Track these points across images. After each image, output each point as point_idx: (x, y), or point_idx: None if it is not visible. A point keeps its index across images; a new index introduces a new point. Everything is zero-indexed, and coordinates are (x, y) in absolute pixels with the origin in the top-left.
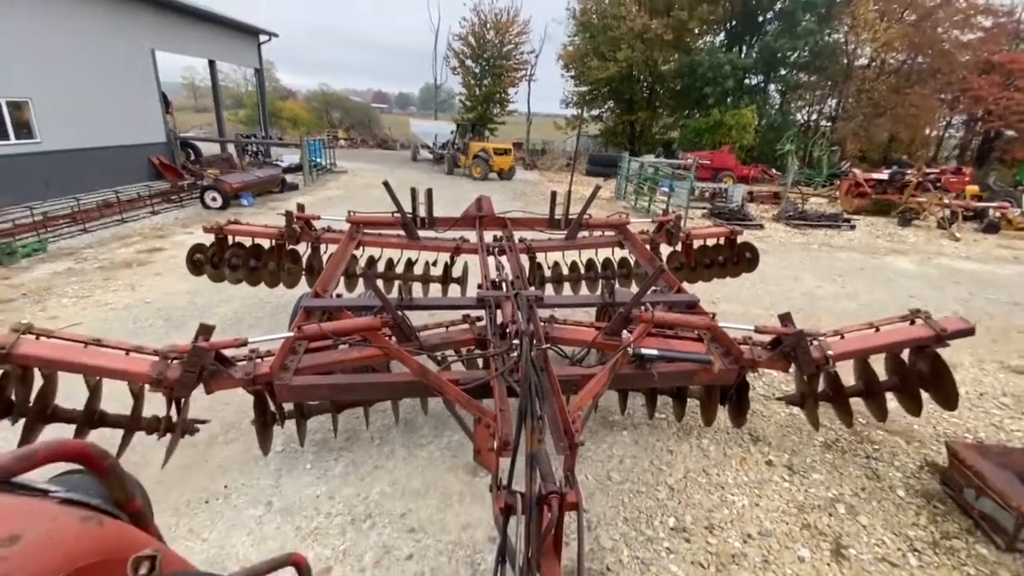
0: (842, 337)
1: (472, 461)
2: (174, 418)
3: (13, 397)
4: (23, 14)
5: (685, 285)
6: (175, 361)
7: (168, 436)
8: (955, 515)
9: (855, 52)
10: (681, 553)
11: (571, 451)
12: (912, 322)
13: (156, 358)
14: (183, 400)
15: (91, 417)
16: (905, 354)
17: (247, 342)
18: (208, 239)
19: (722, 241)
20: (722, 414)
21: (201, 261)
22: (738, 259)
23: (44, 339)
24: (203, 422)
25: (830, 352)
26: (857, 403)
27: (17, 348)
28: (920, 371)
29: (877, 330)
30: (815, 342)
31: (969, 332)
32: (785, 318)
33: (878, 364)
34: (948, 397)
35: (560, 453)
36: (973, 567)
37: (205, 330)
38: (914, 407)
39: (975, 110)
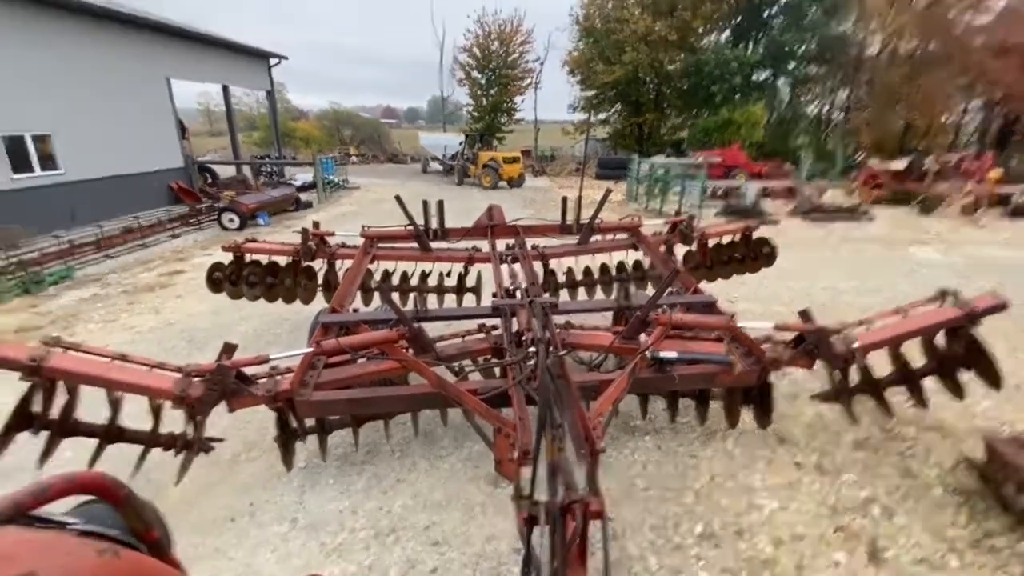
0: (868, 328)
1: (493, 471)
2: (191, 435)
3: (38, 409)
4: (42, 50)
5: (703, 285)
6: (197, 379)
7: (184, 453)
8: (995, 512)
9: (864, 41)
10: (711, 560)
11: (593, 458)
12: (941, 303)
13: (179, 375)
14: (201, 418)
15: (112, 432)
16: (940, 337)
17: (268, 359)
18: (227, 258)
19: (738, 238)
20: (746, 415)
21: (220, 279)
22: (756, 255)
23: (72, 353)
24: (218, 440)
25: (855, 345)
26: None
27: (48, 361)
28: (956, 353)
29: (904, 315)
30: (839, 335)
31: (1001, 308)
32: (805, 314)
33: (914, 350)
34: (991, 376)
35: (582, 460)
36: (1018, 566)
37: (228, 349)
38: (956, 389)
39: (992, 94)
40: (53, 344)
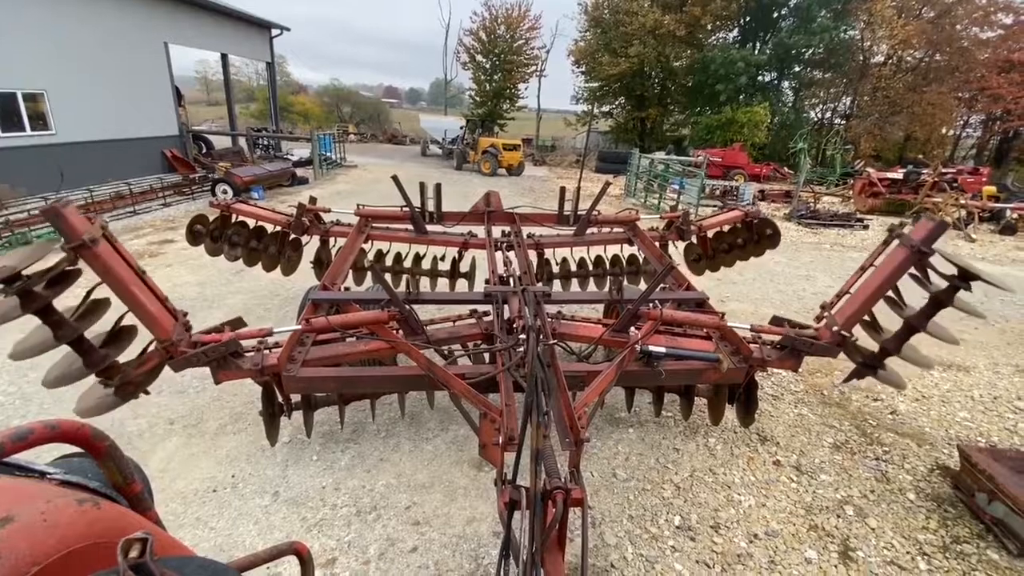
0: (837, 307)
1: (477, 456)
2: (138, 375)
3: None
4: (38, 5)
5: (707, 275)
6: (196, 338)
7: (113, 388)
8: (966, 519)
9: (871, 49)
10: (686, 552)
11: (576, 447)
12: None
13: (176, 322)
14: (165, 369)
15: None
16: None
17: (272, 332)
18: (213, 214)
19: (739, 224)
20: (730, 413)
21: (201, 232)
22: (759, 237)
23: (111, 249)
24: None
25: (836, 327)
26: (869, 406)
27: (96, 247)
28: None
29: (862, 274)
30: (822, 323)
31: (941, 228)
32: (777, 320)
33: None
34: (967, 276)
35: (566, 449)
36: (984, 572)
37: (235, 323)
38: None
39: (993, 109)
40: (105, 231)
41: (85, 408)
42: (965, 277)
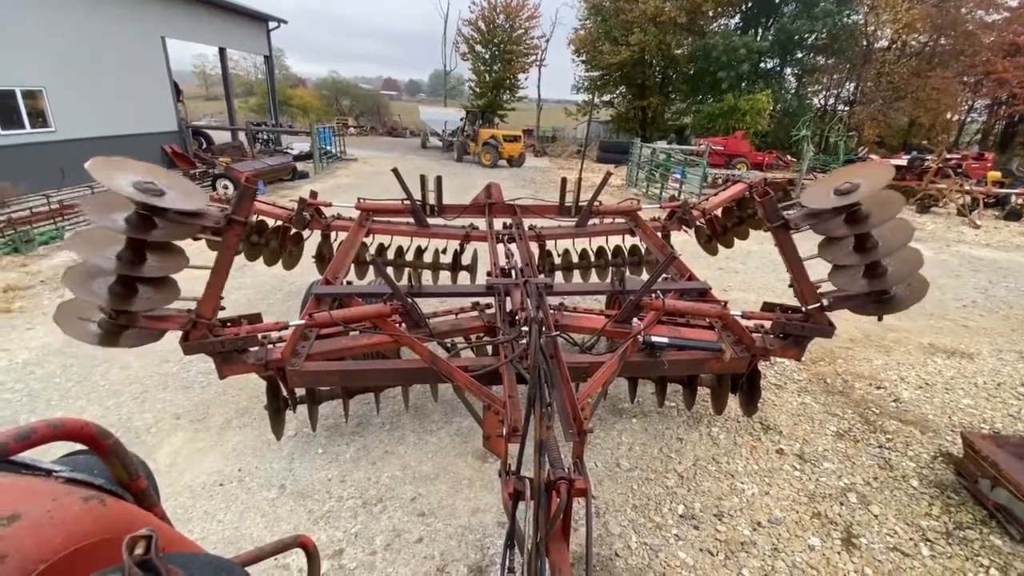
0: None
1: (481, 447)
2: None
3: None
4: (36, 3)
5: (721, 251)
6: (209, 328)
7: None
8: (969, 505)
9: (875, 34)
10: (690, 540)
11: (580, 438)
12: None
13: (187, 315)
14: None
15: None
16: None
17: (288, 325)
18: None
19: (745, 196)
20: (733, 403)
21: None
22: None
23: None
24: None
25: (826, 301)
26: (872, 394)
27: (239, 227)
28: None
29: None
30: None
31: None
32: (767, 305)
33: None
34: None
35: (569, 440)
36: (987, 558)
37: (253, 318)
38: None
39: (999, 94)
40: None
41: (62, 320)
42: None
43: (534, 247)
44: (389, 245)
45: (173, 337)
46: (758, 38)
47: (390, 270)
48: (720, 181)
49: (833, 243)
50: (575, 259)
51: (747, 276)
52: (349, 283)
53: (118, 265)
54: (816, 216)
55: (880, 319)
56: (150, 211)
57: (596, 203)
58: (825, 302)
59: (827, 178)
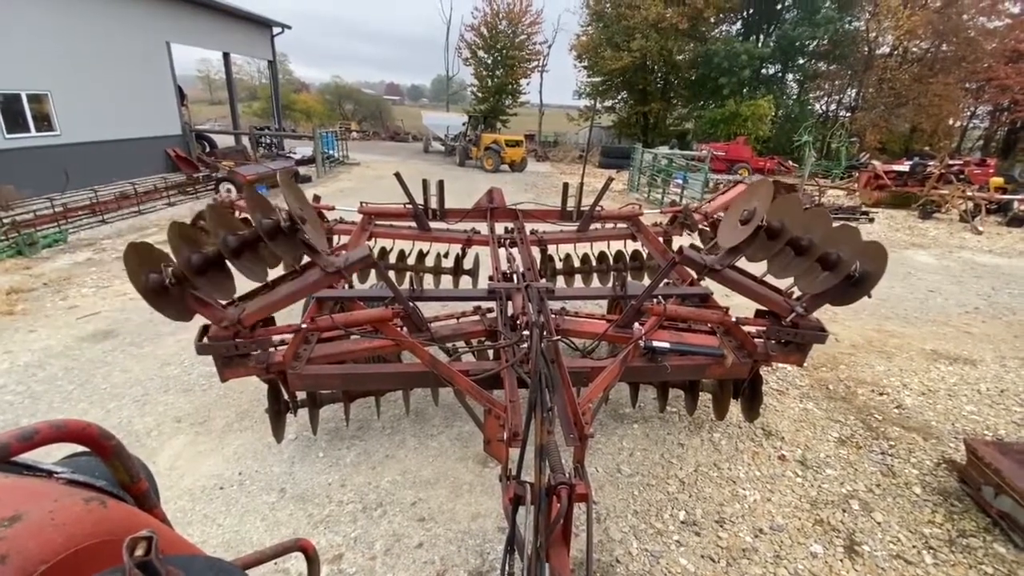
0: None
1: (482, 452)
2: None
3: None
4: (41, 7)
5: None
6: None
7: None
8: (973, 513)
9: (876, 40)
10: (691, 546)
11: (581, 443)
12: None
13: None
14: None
15: None
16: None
17: (300, 328)
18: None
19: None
20: (734, 408)
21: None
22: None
23: None
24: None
25: (800, 308)
26: (874, 400)
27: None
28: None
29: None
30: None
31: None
32: (760, 313)
33: None
34: None
35: (570, 444)
36: (991, 566)
37: (265, 320)
38: None
39: (1001, 100)
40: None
41: (129, 257)
42: None
43: (536, 251)
44: (391, 249)
45: (174, 340)
46: (760, 44)
47: (392, 274)
48: (722, 187)
49: (775, 259)
50: (576, 264)
51: None
52: (350, 286)
53: (222, 244)
54: (738, 250)
55: (869, 296)
56: (292, 222)
57: (598, 208)
58: (799, 309)
59: (725, 216)
